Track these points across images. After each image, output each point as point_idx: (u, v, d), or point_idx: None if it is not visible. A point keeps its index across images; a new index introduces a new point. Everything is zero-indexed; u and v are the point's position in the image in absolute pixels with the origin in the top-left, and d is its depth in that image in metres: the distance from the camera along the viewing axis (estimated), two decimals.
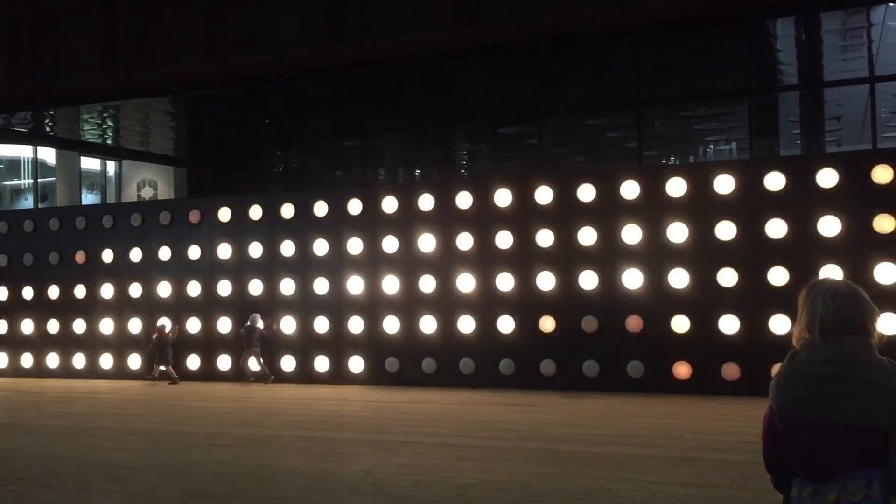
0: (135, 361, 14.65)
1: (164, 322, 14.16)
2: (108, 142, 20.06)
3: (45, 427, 10.24)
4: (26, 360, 15.51)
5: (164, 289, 14.47)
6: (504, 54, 12.87)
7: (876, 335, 2.82)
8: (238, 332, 13.75)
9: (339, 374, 13.26)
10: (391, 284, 12.95)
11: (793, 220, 10.89)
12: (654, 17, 11.46)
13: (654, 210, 11.52)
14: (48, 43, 15.03)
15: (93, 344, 14.97)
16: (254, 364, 13.49)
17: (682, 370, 11.34)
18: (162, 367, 13.96)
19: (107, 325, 14.86)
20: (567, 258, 11.93)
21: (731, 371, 11.08)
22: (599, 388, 11.67)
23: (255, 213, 13.99)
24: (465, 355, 12.45)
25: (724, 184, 11.26)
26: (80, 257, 15.12)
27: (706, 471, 7.16)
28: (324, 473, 7.38)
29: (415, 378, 12.72)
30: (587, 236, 11.85)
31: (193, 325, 14.25)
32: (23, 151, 22.76)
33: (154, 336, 14.06)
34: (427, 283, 12.71)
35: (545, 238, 12.08)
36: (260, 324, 13.50)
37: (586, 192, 11.91)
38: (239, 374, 13.78)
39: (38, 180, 21.82)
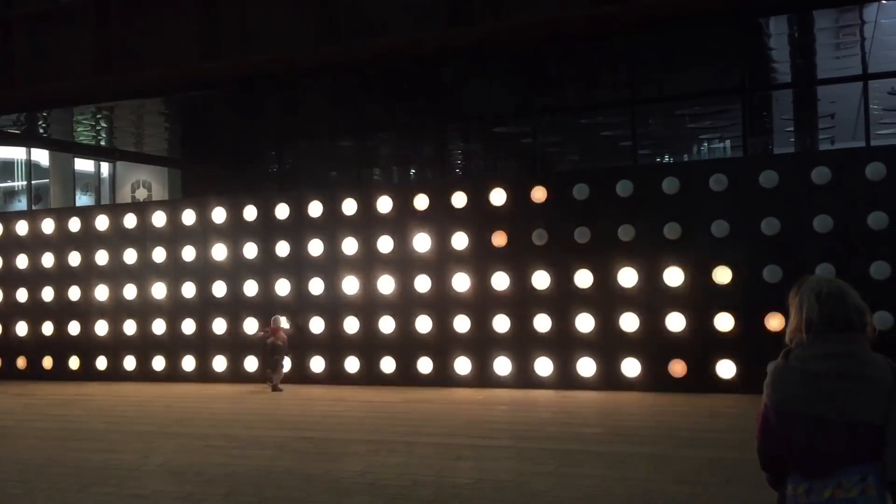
0: (130, 363, 14.61)
1: None
2: (102, 143, 20.00)
3: (41, 430, 10.21)
4: (21, 362, 15.46)
5: (158, 290, 14.45)
6: (498, 54, 12.87)
7: (869, 330, 2.83)
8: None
9: (334, 375, 13.24)
10: (386, 284, 12.94)
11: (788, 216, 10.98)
12: (648, 15, 11.48)
13: (648, 209, 11.55)
14: (41, 44, 14.97)
15: (88, 346, 14.93)
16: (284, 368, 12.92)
17: (677, 368, 11.35)
18: None
19: (102, 328, 14.83)
20: (562, 257, 11.93)
21: (726, 369, 11.13)
22: (595, 386, 11.69)
23: (250, 213, 13.96)
24: (460, 355, 12.45)
25: (717, 182, 11.30)
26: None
27: (702, 468, 7.17)
28: (320, 474, 7.37)
29: (410, 378, 12.71)
30: (581, 235, 11.86)
31: (188, 327, 14.22)
32: (16, 153, 22.70)
33: None
34: (422, 283, 12.70)
35: (540, 237, 12.08)
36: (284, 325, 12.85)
37: (580, 192, 11.93)
38: (235, 375, 13.78)
39: (32, 182, 21.78)
